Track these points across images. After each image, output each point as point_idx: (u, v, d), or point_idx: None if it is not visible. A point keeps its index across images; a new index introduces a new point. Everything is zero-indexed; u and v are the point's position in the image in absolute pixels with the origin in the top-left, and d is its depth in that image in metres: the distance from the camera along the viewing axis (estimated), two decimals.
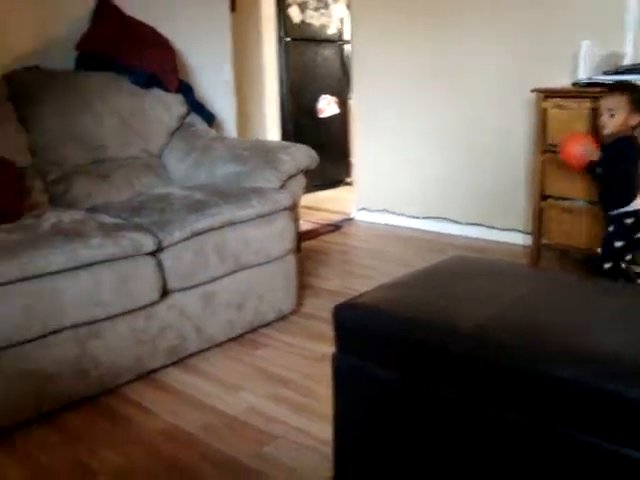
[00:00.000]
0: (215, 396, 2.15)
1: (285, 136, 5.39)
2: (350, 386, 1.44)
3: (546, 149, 3.17)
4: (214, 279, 2.43)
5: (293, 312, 2.82)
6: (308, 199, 4.85)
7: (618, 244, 2.74)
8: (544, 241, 3.31)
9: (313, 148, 2.98)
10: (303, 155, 2.90)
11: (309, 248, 3.85)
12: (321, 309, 2.83)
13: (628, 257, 2.75)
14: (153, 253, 2.21)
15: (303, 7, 5.42)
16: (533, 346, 1.16)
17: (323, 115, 5.71)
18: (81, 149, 2.79)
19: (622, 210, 2.72)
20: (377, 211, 4.52)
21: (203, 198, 2.48)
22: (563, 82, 3.28)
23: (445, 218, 4.14)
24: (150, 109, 3.05)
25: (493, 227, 3.92)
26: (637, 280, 2.78)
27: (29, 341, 1.92)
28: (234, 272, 2.50)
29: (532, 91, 3.23)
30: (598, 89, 2.89)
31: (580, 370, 1.08)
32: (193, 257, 2.31)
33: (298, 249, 2.98)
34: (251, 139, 4.43)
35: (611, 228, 2.77)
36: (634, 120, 2.70)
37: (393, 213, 4.42)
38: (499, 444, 1.18)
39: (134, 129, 2.97)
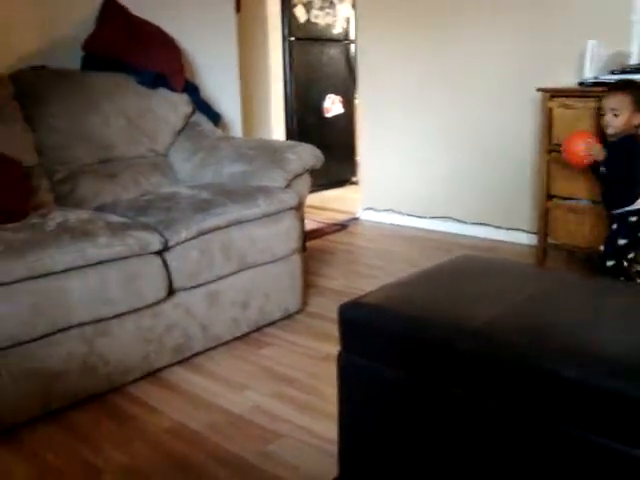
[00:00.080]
0: (220, 395, 2.16)
1: (290, 135, 5.39)
2: (355, 385, 1.44)
3: (551, 149, 3.17)
4: (220, 278, 2.43)
5: (298, 311, 2.82)
6: (314, 198, 4.86)
7: (621, 242, 2.75)
8: (550, 241, 3.31)
9: (318, 147, 2.98)
10: (309, 154, 2.90)
11: (315, 247, 3.85)
12: (326, 308, 2.83)
13: (631, 255, 2.77)
14: (159, 252, 2.22)
15: (308, 6, 5.42)
16: (540, 344, 1.16)
17: (329, 114, 5.71)
18: (88, 149, 2.79)
19: (626, 209, 2.73)
20: (383, 211, 4.52)
21: (209, 197, 2.49)
22: (568, 82, 3.27)
23: (451, 218, 4.14)
24: (157, 109, 3.06)
25: (499, 227, 3.91)
26: (637, 279, 2.78)
27: (36, 339, 1.93)
28: (240, 271, 2.50)
29: (538, 90, 3.23)
30: (604, 89, 2.89)
31: (587, 369, 1.08)
32: (199, 256, 2.32)
33: (304, 248, 2.99)
34: (257, 138, 4.43)
35: (615, 226, 2.78)
36: (637, 119, 2.70)
37: (399, 213, 4.42)
38: (505, 443, 1.18)
39: (141, 129, 2.98)
